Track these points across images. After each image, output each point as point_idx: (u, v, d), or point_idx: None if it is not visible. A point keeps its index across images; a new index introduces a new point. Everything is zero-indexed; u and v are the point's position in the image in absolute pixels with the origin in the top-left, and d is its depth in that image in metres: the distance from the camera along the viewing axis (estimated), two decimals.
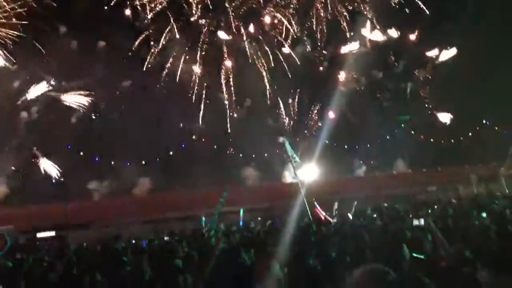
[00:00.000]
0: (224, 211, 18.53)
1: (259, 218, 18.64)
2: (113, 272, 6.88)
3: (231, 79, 35.82)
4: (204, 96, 35.43)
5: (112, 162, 32.94)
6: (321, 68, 37.74)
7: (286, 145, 19.02)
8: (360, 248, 6.15)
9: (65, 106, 31.90)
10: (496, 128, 34.66)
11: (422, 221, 7.35)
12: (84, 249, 12.74)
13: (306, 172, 31.39)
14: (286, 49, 36.25)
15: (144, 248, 10.76)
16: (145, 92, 34.28)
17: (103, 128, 32.30)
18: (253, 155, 34.74)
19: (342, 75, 36.48)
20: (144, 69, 34.55)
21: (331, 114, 35.00)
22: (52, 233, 20.80)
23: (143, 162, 33.78)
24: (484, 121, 36.13)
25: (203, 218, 15.08)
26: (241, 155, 35.44)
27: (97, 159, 33.27)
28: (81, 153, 32.97)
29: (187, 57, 35.24)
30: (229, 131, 35.51)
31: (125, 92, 34.38)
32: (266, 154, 34.39)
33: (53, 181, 30.87)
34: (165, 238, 13.91)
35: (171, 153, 35.48)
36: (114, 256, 8.76)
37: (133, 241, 13.84)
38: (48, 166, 30.96)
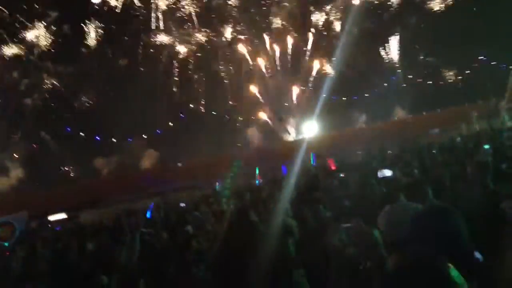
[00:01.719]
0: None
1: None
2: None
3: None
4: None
5: (114, 140, 33.13)
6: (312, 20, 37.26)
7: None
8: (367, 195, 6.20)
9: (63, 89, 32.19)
10: (493, 63, 34.37)
11: (388, 173, 6.87)
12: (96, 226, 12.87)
13: (308, 128, 31.61)
14: None
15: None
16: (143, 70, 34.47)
17: (101, 107, 32.42)
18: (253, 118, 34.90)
19: (336, 27, 36.20)
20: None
21: (327, 68, 34.82)
22: (64, 215, 21.02)
23: (145, 136, 33.92)
24: (480, 57, 35.79)
25: (217, 185, 15.20)
26: (241, 118, 35.57)
27: (98, 138, 33.42)
28: (82, 134, 33.12)
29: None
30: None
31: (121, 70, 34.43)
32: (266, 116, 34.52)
33: (60, 164, 31.18)
34: (181, 204, 13.88)
35: (171, 124, 35.56)
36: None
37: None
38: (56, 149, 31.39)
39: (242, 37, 35.88)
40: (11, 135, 30.40)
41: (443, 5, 35.50)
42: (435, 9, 35.81)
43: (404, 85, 36.10)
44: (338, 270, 2.75)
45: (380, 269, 2.44)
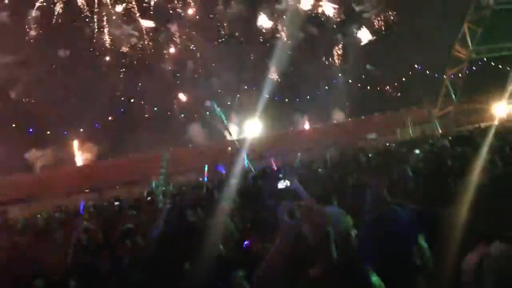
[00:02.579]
0: (173, 172, 18.56)
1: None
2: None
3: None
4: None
5: (48, 132, 31.82)
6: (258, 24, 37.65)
7: (215, 107, 19.16)
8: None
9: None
10: (427, 72, 36.04)
11: (287, 183, 6.17)
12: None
13: (249, 128, 31.77)
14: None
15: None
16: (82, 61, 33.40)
17: (39, 99, 31.18)
18: (195, 116, 34.66)
19: (279, 31, 36.74)
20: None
21: (270, 70, 35.18)
22: None
23: (81, 130, 32.79)
24: (415, 66, 37.42)
25: (153, 182, 14.93)
26: (182, 115, 35.22)
27: (31, 130, 31.94)
28: (15, 126, 31.53)
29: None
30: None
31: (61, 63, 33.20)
32: (208, 114, 34.34)
33: None
34: (115, 203, 13.60)
35: (110, 118, 34.58)
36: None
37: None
38: None
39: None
40: None
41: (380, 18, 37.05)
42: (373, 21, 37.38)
43: (344, 89, 37.10)
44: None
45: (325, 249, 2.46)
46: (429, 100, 29.50)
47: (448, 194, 4.69)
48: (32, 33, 32.36)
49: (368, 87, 38.25)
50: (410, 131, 25.77)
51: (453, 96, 27.88)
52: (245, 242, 4.63)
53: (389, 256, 3.01)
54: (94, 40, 34.56)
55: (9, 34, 30.87)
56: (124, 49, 35.11)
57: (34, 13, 32.72)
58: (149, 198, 12.50)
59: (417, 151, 9.62)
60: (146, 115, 34.30)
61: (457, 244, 3.24)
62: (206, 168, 14.40)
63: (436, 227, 3.52)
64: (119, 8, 34.83)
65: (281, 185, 6.48)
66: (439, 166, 6.82)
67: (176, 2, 36.24)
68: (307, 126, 35.36)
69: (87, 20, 34.29)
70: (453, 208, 3.85)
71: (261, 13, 37.48)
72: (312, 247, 2.40)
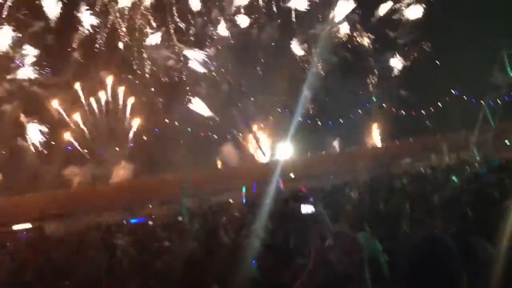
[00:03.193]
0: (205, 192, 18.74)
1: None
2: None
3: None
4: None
5: (86, 150, 32.70)
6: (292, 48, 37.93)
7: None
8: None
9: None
10: (465, 98, 35.38)
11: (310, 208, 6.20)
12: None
13: (281, 151, 31.78)
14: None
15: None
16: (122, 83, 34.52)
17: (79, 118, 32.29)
18: (229, 137, 34.97)
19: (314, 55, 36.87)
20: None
21: (304, 93, 35.28)
22: (28, 225, 20.49)
23: (117, 149, 33.55)
24: (452, 91, 36.81)
25: (184, 201, 15.09)
26: (216, 137, 35.54)
27: (69, 148, 32.88)
28: (55, 143, 32.57)
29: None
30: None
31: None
32: (240, 136, 34.62)
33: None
34: (149, 222, 13.81)
35: (144, 138, 35.25)
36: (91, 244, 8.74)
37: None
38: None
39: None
40: None
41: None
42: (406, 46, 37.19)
43: (378, 113, 36.74)
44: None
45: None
46: (466, 126, 28.89)
47: (491, 227, 4.52)
48: (76, 55, 33.59)
49: (403, 112, 37.76)
50: (446, 158, 25.17)
51: (491, 122, 27.24)
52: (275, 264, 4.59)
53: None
54: (135, 63, 35.57)
55: (55, 56, 32.28)
56: (162, 71, 35.91)
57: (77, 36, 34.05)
58: (180, 218, 12.61)
59: (454, 178, 9.38)
60: (180, 136, 34.74)
61: (496, 282, 3.10)
62: (244, 190, 14.49)
63: (476, 262, 3.39)
64: (158, 34, 35.81)
65: (304, 209, 6.39)
66: (482, 196, 6.59)
67: (212, 26, 36.97)
68: (339, 149, 35.10)
69: (128, 42, 35.41)
70: (496, 243, 3.70)
71: (296, 38, 37.80)
72: (344, 275, 2.36)
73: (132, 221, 14.90)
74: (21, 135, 31.53)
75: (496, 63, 26.91)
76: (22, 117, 31.52)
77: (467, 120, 29.31)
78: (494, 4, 30.67)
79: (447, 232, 3.68)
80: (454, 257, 2.85)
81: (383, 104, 37.51)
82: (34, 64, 31.89)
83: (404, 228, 4.00)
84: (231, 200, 17.85)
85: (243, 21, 36.92)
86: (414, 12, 36.98)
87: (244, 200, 14.38)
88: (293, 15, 37.19)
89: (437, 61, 33.23)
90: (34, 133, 31.42)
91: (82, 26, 33.71)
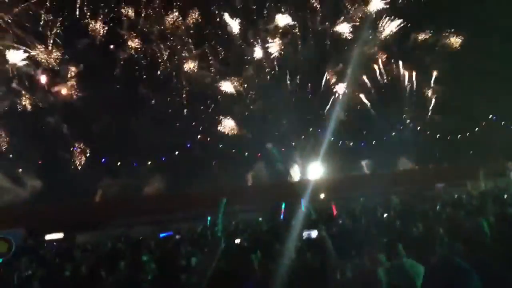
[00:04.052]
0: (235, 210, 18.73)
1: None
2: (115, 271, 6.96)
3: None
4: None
5: (119, 163, 33.31)
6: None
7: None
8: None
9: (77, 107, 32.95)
10: (502, 123, 34.52)
11: (313, 233, 6.19)
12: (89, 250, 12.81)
13: (312, 171, 31.59)
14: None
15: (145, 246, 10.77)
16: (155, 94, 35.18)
17: (112, 128, 32.83)
18: (259, 155, 34.98)
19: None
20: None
21: (336, 112, 35.10)
22: (60, 235, 20.85)
23: (149, 162, 34.07)
24: (490, 116, 35.97)
25: (209, 218, 15.12)
26: (246, 154, 35.65)
27: (104, 160, 33.57)
28: (89, 154, 33.32)
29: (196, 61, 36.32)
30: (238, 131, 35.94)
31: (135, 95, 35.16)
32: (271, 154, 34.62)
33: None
34: (177, 236, 13.86)
35: (176, 153, 35.71)
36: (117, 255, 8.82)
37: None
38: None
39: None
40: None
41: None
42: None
43: (411, 137, 36.21)
44: None
45: None
46: (504, 153, 28.08)
47: None
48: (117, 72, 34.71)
49: (438, 136, 37.06)
50: (482, 184, 24.42)
51: None
52: None
53: None
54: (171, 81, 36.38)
55: (97, 73, 33.33)
56: (196, 88, 36.51)
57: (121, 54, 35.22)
58: (206, 234, 12.63)
59: (490, 206, 9.12)
60: (211, 152, 35.04)
61: None
62: (283, 206, 14.45)
63: None
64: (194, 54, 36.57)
65: (305, 234, 6.23)
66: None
67: (247, 46, 37.42)
68: (370, 171, 34.60)
69: (165, 60, 36.29)
70: None
71: (329, 60, 37.87)
72: None
73: (161, 235, 15.00)
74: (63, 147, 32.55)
75: None
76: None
77: (505, 147, 28.53)
78: None
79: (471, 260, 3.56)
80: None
81: (418, 128, 36.95)
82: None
83: (436, 253, 3.89)
84: (260, 219, 17.83)
85: (279, 43, 37.28)
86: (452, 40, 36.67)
87: (281, 216, 14.34)
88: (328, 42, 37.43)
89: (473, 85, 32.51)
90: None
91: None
